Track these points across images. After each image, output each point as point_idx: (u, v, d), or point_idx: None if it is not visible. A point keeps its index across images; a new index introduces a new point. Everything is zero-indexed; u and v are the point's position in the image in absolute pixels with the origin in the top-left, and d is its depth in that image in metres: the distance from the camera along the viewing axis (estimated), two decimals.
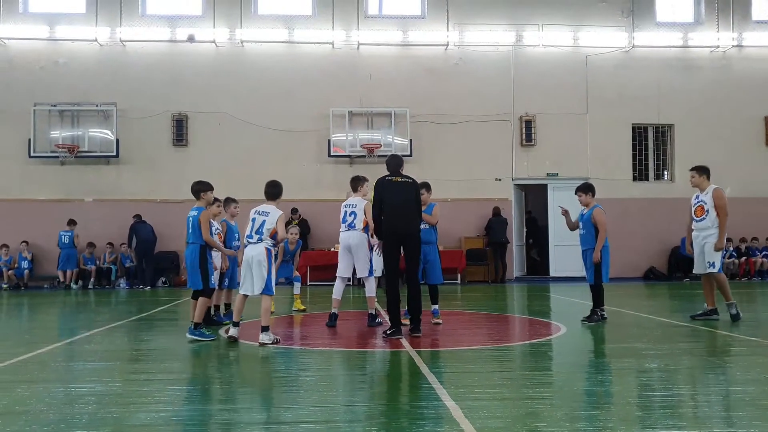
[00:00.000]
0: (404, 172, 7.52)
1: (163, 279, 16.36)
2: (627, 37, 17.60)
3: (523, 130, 17.33)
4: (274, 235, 6.90)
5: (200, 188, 7.46)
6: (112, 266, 16.29)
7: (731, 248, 17.27)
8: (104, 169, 16.71)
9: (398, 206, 7.18)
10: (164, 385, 5.03)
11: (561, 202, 16.50)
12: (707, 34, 17.76)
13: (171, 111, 16.74)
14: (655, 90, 17.60)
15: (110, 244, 16.32)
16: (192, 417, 4.14)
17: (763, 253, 17.35)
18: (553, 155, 17.40)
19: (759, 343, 6.88)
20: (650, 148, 18.10)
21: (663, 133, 18.13)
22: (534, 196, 18.57)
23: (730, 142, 17.34)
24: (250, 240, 6.89)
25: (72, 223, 15.93)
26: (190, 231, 7.24)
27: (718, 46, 17.74)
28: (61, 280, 15.86)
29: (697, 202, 8.74)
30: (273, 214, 6.91)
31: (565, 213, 8.72)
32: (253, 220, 6.92)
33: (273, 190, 7.19)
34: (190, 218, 7.29)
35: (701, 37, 17.78)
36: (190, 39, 16.77)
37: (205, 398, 4.77)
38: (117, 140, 16.42)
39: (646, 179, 18.05)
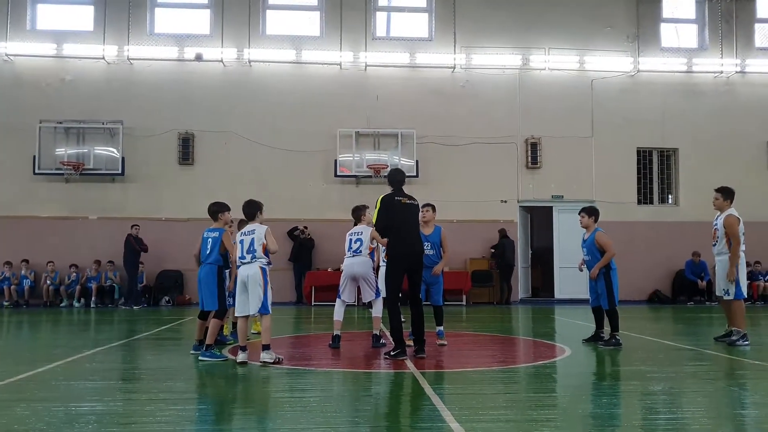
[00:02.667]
0: (409, 192, 7.57)
1: (167, 298, 16.31)
2: (632, 62, 17.71)
3: (529, 152, 17.37)
4: (266, 252, 6.89)
5: (218, 209, 7.51)
6: (115, 285, 16.24)
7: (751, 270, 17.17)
8: (109, 187, 16.78)
9: (409, 228, 7.30)
10: (166, 405, 5.01)
11: (566, 224, 16.68)
12: (711, 60, 17.86)
13: (177, 130, 16.84)
14: (660, 114, 17.65)
15: (111, 262, 16.20)
16: None
17: (767, 277, 17.25)
18: (559, 178, 17.42)
19: (763, 366, 6.82)
20: (655, 171, 18.11)
21: (667, 157, 18.16)
22: (539, 219, 18.57)
23: (734, 166, 17.32)
24: (243, 261, 6.87)
25: None
26: (208, 252, 7.25)
27: (721, 72, 17.82)
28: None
29: (714, 226, 8.74)
30: (259, 230, 6.90)
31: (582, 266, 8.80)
32: (242, 242, 6.89)
33: (249, 210, 7.13)
34: (210, 239, 7.30)
35: (705, 63, 17.87)
36: (198, 58, 16.94)
37: (206, 418, 4.75)
38: (123, 158, 16.50)
39: (651, 203, 18.04)
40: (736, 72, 17.84)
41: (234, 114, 16.93)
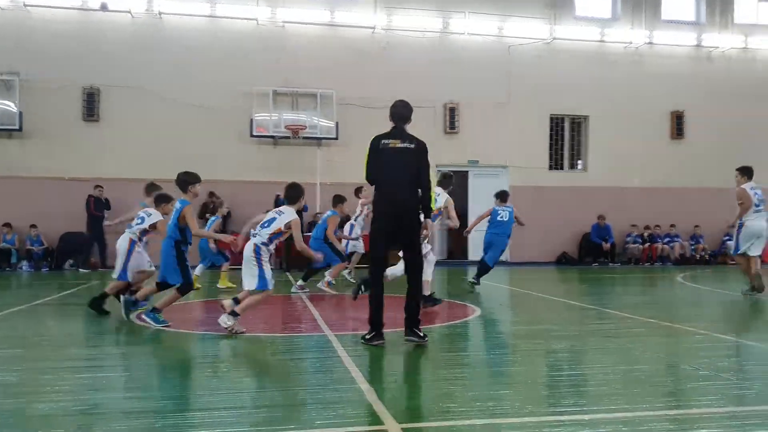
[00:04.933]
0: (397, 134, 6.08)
1: (71, 261, 15.59)
2: (548, 30, 18.08)
3: (447, 117, 17.53)
4: (274, 236, 6.46)
5: (189, 180, 6.86)
6: (12, 248, 15.31)
7: (635, 234, 18.21)
8: (6, 143, 15.72)
9: (392, 180, 5.82)
10: (69, 374, 4.80)
11: (480, 189, 17.03)
12: (622, 31, 18.50)
13: (81, 83, 15.90)
14: (573, 82, 18.18)
15: (7, 224, 15.27)
16: (96, 406, 3.97)
17: (665, 239, 18.36)
18: (475, 143, 17.71)
19: (657, 324, 7.28)
20: (566, 138, 18.75)
21: (578, 124, 18.81)
22: (455, 184, 18.85)
23: (640, 134, 18.18)
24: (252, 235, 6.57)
25: None
26: (170, 223, 6.85)
27: (631, 42, 18.51)
28: None
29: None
30: (285, 216, 6.48)
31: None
32: (270, 218, 6.54)
33: (291, 193, 6.70)
34: (174, 210, 6.88)
35: (617, 33, 18.50)
36: (103, 7, 15.94)
37: (112, 386, 4.59)
38: (20, 113, 15.45)
39: (562, 168, 18.69)
40: (645, 43, 18.57)
41: (144, 69, 16.12)
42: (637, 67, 18.59)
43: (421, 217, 5.97)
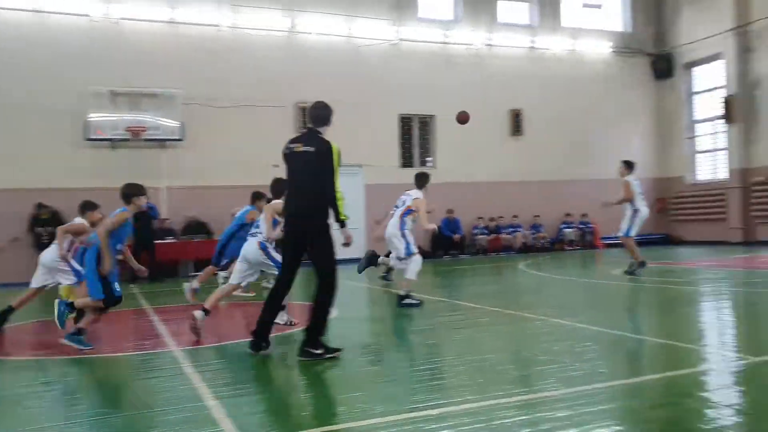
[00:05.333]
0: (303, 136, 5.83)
1: None
2: (394, 31, 18.49)
3: (299, 117, 17.39)
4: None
5: (133, 192, 6.36)
6: None
7: (481, 225, 19.17)
8: None
9: (294, 185, 5.61)
10: None
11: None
12: (464, 32, 19.35)
13: None
14: (420, 82, 18.72)
15: None
16: None
17: (509, 230, 19.50)
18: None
19: (501, 312, 7.68)
20: (415, 136, 19.31)
21: (426, 123, 19.44)
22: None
23: (483, 132, 19.10)
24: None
25: None
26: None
27: (472, 44, 19.42)
28: None
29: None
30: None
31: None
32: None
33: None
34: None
35: (459, 35, 19.30)
36: None
37: None
38: None
39: (412, 166, 19.23)
40: (485, 45, 19.55)
41: None
42: (478, 68, 19.52)
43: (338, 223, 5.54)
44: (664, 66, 21.35)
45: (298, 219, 5.54)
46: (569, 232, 19.97)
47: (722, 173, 19.88)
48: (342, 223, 5.52)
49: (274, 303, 5.61)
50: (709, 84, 20.64)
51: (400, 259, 8.72)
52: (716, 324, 7.08)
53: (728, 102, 19.15)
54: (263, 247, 6.81)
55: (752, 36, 18.82)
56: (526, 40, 20.12)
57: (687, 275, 11.70)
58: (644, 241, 19.72)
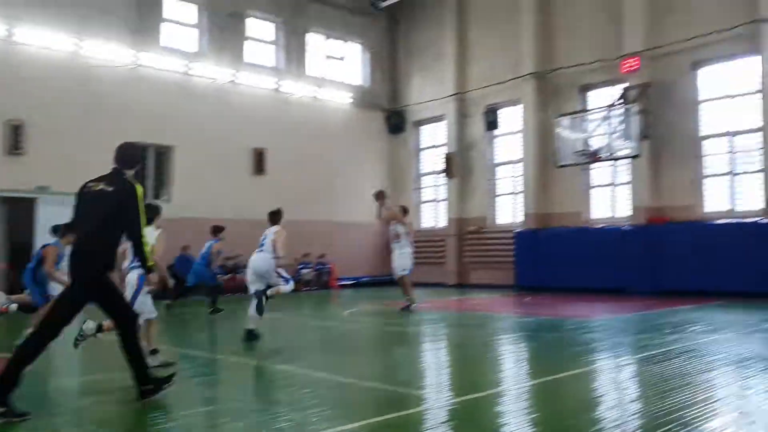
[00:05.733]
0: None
1: None
2: (133, 55, 17.38)
3: (10, 137, 15.31)
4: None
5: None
6: None
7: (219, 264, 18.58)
8: None
9: (81, 225, 5.20)
10: None
11: (51, 218, 15.12)
12: (209, 66, 18.92)
13: None
14: (159, 111, 17.79)
15: None
16: None
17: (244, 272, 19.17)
18: (47, 167, 15.79)
19: (223, 360, 7.32)
20: (151, 167, 18.19)
21: (163, 154, 18.45)
22: (21, 212, 16.49)
23: (226, 169, 18.77)
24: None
25: None
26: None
27: (216, 79, 19.07)
28: None
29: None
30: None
31: None
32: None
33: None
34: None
35: (203, 68, 18.83)
36: None
37: None
38: None
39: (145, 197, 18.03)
40: (230, 81, 19.33)
41: None
42: (223, 104, 19.19)
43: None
44: (397, 121, 23.23)
45: (81, 262, 5.06)
46: (306, 273, 20.33)
47: (442, 221, 22.04)
48: (149, 269, 5.38)
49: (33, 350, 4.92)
50: (434, 141, 22.93)
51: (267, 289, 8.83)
52: (431, 365, 7.58)
53: (448, 159, 21.43)
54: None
55: (469, 103, 21.41)
56: (271, 82, 20.37)
57: (408, 316, 12.50)
58: (372, 282, 21.00)
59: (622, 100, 16.59)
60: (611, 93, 17.83)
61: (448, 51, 21.66)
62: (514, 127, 20.31)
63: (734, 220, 15.33)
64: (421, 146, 23.49)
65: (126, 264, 6.87)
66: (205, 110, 18.70)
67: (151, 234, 7.04)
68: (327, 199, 21.18)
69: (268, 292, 8.67)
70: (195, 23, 19.15)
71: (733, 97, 15.98)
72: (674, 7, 16.45)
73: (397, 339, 9.44)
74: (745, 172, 15.79)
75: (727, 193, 16.11)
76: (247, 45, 20.25)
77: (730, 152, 16.03)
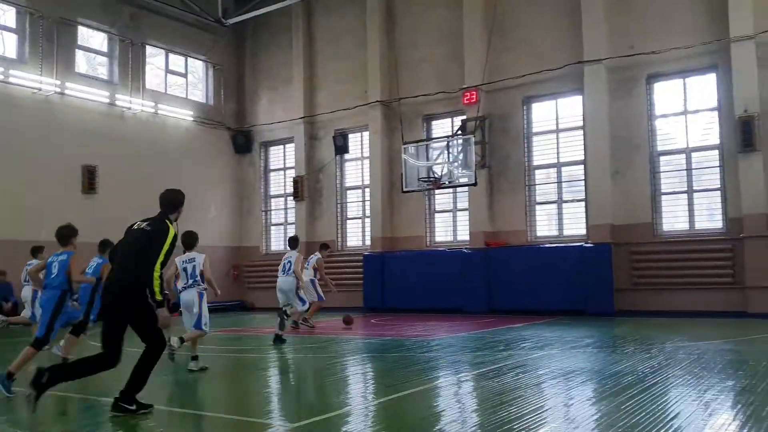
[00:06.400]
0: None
1: None
2: None
3: None
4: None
5: (70, 233, 7.86)
6: None
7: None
8: None
9: (119, 258, 5.94)
10: None
11: None
12: (31, 75, 17.31)
13: None
14: None
15: None
16: None
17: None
18: None
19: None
20: None
21: None
22: None
23: (50, 186, 17.19)
24: (185, 286, 8.25)
25: None
26: (54, 275, 7.26)
27: (41, 90, 17.47)
28: None
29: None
30: (199, 258, 8.42)
31: None
32: (184, 269, 8.31)
33: (190, 240, 8.58)
34: (56, 263, 7.34)
35: (24, 77, 17.18)
36: None
37: None
38: None
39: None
40: (56, 93, 17.81)
41: None
42: (48, 116, 17.61)
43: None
44: (243, 141, 22.72)
45: (116, 290, 5.65)
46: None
47: None
48: (158, 303, 5.62)
49: (86, 367, 5.70)
50: (283, 164, 22.70)
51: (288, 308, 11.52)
52: (274, 390, 7.32)
53: (297, 181, 21.28)
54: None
55: (318, 126, 21.47)
56: (104, 96, 19.07)
57: (252, 342, 12.11)
58: (220, 308, 20.19)
59: (460, 131, 17.47)
60: (453, 123, 18.79)
61: (296, 74, 21.63)
62: (363, 152, 20.67)
63: (561, 245, 16.60)
64: (271, 167, 23.15)
65: (180, 284, 8.40)
66: (26, 122, 17.05)
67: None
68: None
69: (288, 311, 10.91)
70: (14, 27, 17.48)
71: (559, 131, 17.42)
72: (510, 46, 17.70)
73: (238, 366, 9.06)
74: (572, 200, 17.22)
75: (555, 219, 17.46)
76: (79, 54, 18.90)
77: (558, 182, 17.43)
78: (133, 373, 5.64)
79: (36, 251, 11.99)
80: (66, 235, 7.69)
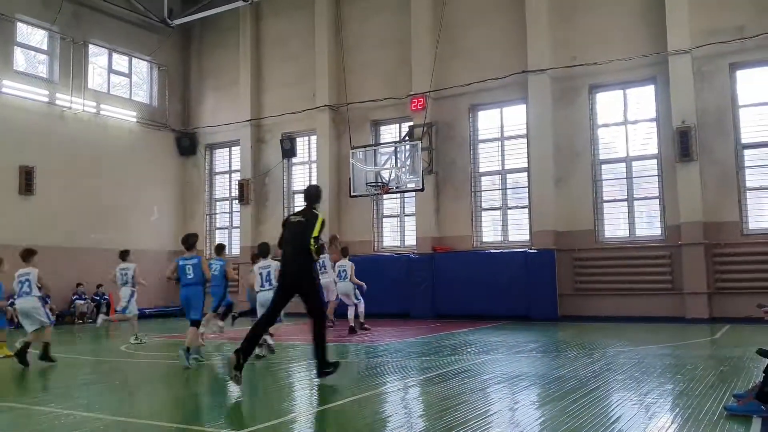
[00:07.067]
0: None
1: None
2: None
3: None
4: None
5: (196, 240, 9.60)
6: None
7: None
8: None
9: (286, 246, 7.51)
10: None
11: None
12: None
13: None
14: None
15: None
16: None
17: (9, 301, 16.84)
18: None
19: None
20: None
21: None
22: None
23: None
24: (263, 288, 10.05)
25: None
26: (191, 275, 9.02)
27: None
28: None
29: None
30: (274, 264, 9.78)
31: None
32: (261, 274, 10.13)
33: (262, 250, 10.52)
34: (190, 265, 9.07)
35: None
36: None
37: None
38: None
39: None
40: None
41: None
42: None
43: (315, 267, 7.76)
44: (187, 144, 22.27)
45: (289, 270, 7.38)
46: (82, 304, 18.43)
47: (236, 250, 21.37)
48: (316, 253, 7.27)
49: (256, 335, 7.19)
50: (228, 166, 22.34)
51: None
52: (218, 398, 7.15)
53: (242, 185, 20.98)
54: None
55: (264, 129, 21.24)
56: (44, 95, 18.41)
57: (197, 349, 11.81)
58: (159, 314, 19.69)
59: (407, 137, 17.56)
60: (401, 129, 18.87)
61: (243, 76, 21.35)
62: (310, 156, 20.53)
63: (506, 251, 16.86)
64: (216, 170, 22.75)
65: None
66: None
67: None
68: (109, 224, 19.54)
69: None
70: None
71: (504, 139, 17.71)
72: (456, 54, 17.90)
73: (180, 373, 8.82)
74: (517, 207, 17.50)
75: (500, 225, 17.72)
76: (18, 51, 18.19)
77: (502, 188, 17.70)
78: (316, 344, 7.29)
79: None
80: (193, 242, 9.41)
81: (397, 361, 9.40)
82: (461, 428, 4.96)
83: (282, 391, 7.42)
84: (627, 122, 16.29)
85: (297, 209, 9.08)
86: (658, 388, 6.69)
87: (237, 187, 21.32)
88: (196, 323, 8.94)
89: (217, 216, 22.55)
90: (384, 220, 19.47)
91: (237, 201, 21.40)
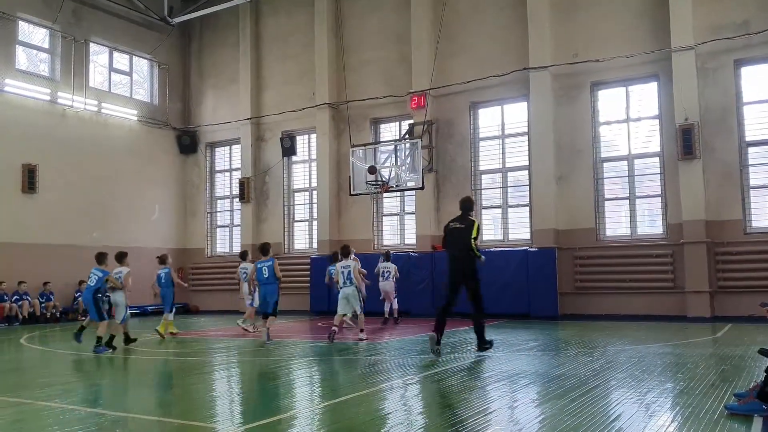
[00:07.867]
0: None
1: None
2: None
3: None
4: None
5: (270, 247, 11.92)
6: None
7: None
8: None
9: (450, 248, 9.31)
10: None
11: None
12: None
13: None
14: None
15: None
16: None
17: (14, 298, 16.94)
18: None
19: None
20: None
21: None
22: None
23: None
24: (344, 285, 11.74)
25: None
26: (267, 275, 11.45)
27: None
28: None
29: None
30: (353, 264, 12.01)
31: None
32: (342, 272, 11.74)
33: (344, 251, 12.17)
34: (266, 267, 11.50)
35: None
36: None
37: None
38: None
39: None
40: None
41: None
42: None
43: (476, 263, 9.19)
44: (188, 142, 22.26)
45: (455, 268, 9.11)
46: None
47: (237, 248, 21.34)
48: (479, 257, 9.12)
49: (443, 319, 9.01)
50: (229, 165, 22.33)
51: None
52: (220, 394, 7.14)
53: (243, 183, 20.97)
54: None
55: (265, 128, 21.22)
56: (46, 93, 18.42)
57: (196, 345, 11.83)
58: (161, 311, 19.66)
59: (407, 135, 17.52)
60: (401, 127, 18.83)
61: (243, 74, 21.34)
62: (310, 155, 20.51)
63: (506, 249, 16.82)
64: (216, 168, 22.75)
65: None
66: None
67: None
68: (110, 221, 19.55)
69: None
70: None
71: (505, 137, 17.67)
72: (457, 52, 17.87)
73: (183, 369, 8.82)
74: (517, 205, 17.47)
75: (500, 223, 17.68)
76: (20, 50, 18.20)
77: (503, 186, 17.66)
78: (475, 324, 9.18)
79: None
80: (268, 248, 11.79)
81: (397, 358, 9.39)
82: (461, 426, 4.94)
83: (282, 388, 7.41)
84: (629, 120, 16.24)
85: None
86: (659, 386, 6.67)
87: (237, 185, 21.31)
88: (274, 313, 11.43)
89: (218, 214, 22.54)
90: (384, 218, 19.45)
91: (238, 199, 21.40)
